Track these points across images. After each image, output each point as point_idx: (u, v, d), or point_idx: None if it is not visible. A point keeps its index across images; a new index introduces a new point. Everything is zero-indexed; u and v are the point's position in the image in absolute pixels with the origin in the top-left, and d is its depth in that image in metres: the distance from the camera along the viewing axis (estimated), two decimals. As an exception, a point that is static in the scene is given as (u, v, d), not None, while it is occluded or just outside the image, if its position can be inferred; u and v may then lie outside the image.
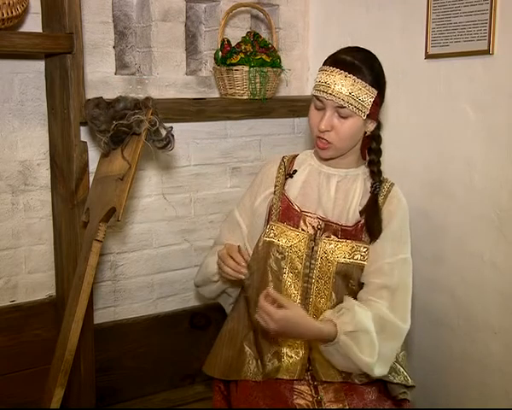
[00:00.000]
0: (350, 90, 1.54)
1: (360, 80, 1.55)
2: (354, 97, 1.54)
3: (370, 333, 1.51)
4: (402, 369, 1.63)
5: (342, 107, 1.55)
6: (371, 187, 1.65)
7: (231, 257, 1.60)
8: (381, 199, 1.64)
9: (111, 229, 1.96)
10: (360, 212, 1.63)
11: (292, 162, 1.75)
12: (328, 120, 1.57)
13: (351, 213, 1.63)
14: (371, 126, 1.64)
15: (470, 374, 1.91)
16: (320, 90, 1.57)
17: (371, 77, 1.57)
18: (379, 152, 1.68)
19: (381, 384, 1.62)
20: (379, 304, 1.55)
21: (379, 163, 1.67)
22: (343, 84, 1.54)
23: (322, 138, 1.60)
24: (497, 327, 1.82)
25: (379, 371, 1.53)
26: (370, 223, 1.61)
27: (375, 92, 1.58)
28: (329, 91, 1.55)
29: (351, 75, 1.54)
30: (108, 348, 1.98)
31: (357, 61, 1.57)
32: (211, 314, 2.10)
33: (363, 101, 1.55)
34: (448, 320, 1.95)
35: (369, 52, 1.63)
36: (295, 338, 1.58)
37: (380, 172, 1.66)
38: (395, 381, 1.59)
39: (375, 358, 1.50)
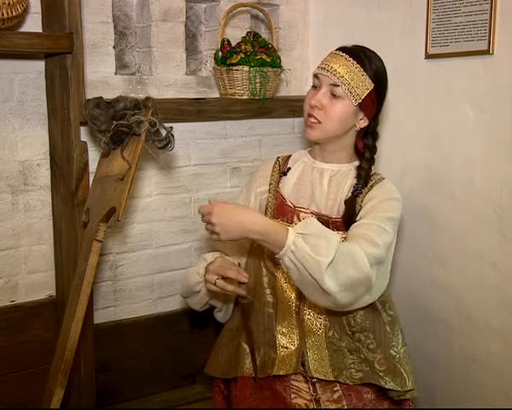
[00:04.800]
0: (347, 72, 1.59)
1: (360, 67, 1.60)
2: (349, 80, 1.58)
3: (327, 238, 1.46)
4: (402, 369, 1.62)
5: (336, 85, 1.59)
6: (353, 188, 1.63)
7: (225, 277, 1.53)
8: (365, 190, 1.63)
9: (111, 229, 1.96)
10: (345, 202, 1.63)
11: (286, 161, 1.76)
12: (319, 97, 1.61)
13: (341, 206, 1.64)
14: (362, 123, 1.65)
15: (470, 374, 1.91)
16: (320, 68, 1.63)
17: (371, 71, 1.61)
18: (371, 161, 1.67)
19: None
20: (353, 242, 1.50)
21: (369, 169, 1.66)
22: (341, 65, 1.59)
23: (312, 116, 1.62)
24: (497, 327, 1.82)
25: (329, 283, 1.42)
26: (345, 216, 1.61)
27: (372, 85, 1.61)
28: (327, 68, 1.60)
29: (351, 59, 1.60)
30: (108, 348, 1.98)
31: (363, 54, 1.63)
32: (211, 314, 2.10)
33: (357, 87, 1.59)
34: (448, 320, 1.95)
35: (377, 55, 1.66)
36: (242, 234, 1.47)
37: (368, 177, 1.64)
38: (387, 387, 1.58)
39: (330, 259, 1.42)
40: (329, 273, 1.43)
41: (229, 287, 1.53)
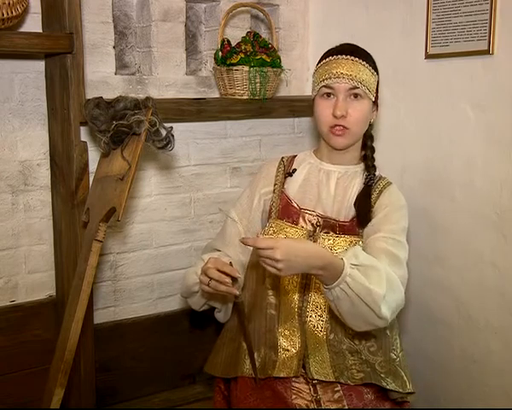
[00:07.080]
0: (360, 72, 1.59)
1: (366, 63, 1.61)
2: (364, 79, 1.59)
3: (376, 267, 1.47)
4: (402, 373, 1.62)
5: (355, 88, 1.59)
6: (365, 179, 1.66)
7: (222, 271, 1.49)
8: (375, 194, 1.64)
9: (111, 229, 1.96)
10: (354, 203, 1.63)
11: (291, 162, 1.76)
12: (343, 105, 1.60)
13: (348, 209, 1.64)
14: (374, 115, 1.69)
15: (470, 374, 1.91)
16: (331, 78, 1.60)
17: (372, 62, 1.64)
18: (373, 148, 1.71)
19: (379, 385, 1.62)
20: (380, 260, 1.52)
21: (373, 158, 1.69)
22: (352, 68, 1.59)
23: (338, 125, 1.61)
24: (497, 327, 1.82)
25: (385, 311, 1.45)
26: (359, 210, 1.62)
27: (377, 77, 1.65)
28: (341, 76, 1.59)
29: (357, 59, 1.60)
30: (108, 348, 1.98)
31: (358, 49, 1.64)
32: (211, 314, 2.10)
33: (370, 83, 1.61)
34: (448, 320, 1.95)
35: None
36: (304, 269, 1.42)
37: (374, 167, 1.68)
38: (388, 387, 1.58)
39: (384, 290, 1.44)
40: (384, 302, 1.45)
41: (222, 287, 1.48)
